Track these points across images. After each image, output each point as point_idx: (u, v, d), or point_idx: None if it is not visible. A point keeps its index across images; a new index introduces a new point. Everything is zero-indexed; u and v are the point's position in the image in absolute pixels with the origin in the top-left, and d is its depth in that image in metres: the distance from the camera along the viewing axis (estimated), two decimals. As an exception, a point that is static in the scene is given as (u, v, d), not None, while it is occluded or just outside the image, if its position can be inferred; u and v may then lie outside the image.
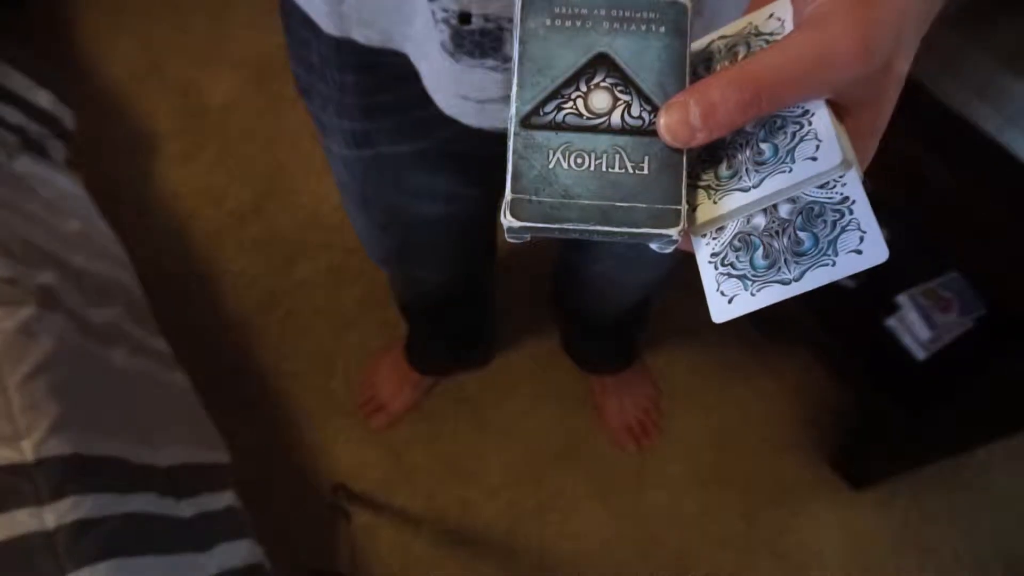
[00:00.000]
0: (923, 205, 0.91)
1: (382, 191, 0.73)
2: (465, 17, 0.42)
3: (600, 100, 0.30)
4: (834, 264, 0.28)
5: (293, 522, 1.24)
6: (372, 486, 1.28)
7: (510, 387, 1.35)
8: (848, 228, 0.28)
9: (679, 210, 0.29)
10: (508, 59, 0.45)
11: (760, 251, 0.29)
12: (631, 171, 0.29)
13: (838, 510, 1.28)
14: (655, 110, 0.29)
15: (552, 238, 0.30)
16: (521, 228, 0.30)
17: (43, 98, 1.13)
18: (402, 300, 1.15)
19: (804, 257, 0.28)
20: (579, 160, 0.30)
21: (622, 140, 0.30)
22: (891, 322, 1.14)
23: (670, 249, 0.30)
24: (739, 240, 0.30)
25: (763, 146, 0.29)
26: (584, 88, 0.30)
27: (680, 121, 0.27)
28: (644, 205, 0.29)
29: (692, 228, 0.30)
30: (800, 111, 0.28)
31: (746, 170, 0.29)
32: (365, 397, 1.32)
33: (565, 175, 0.29)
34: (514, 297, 1.35)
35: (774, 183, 0.28)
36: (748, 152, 0.29)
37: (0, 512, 0.68)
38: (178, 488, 0.87)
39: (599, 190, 0.29)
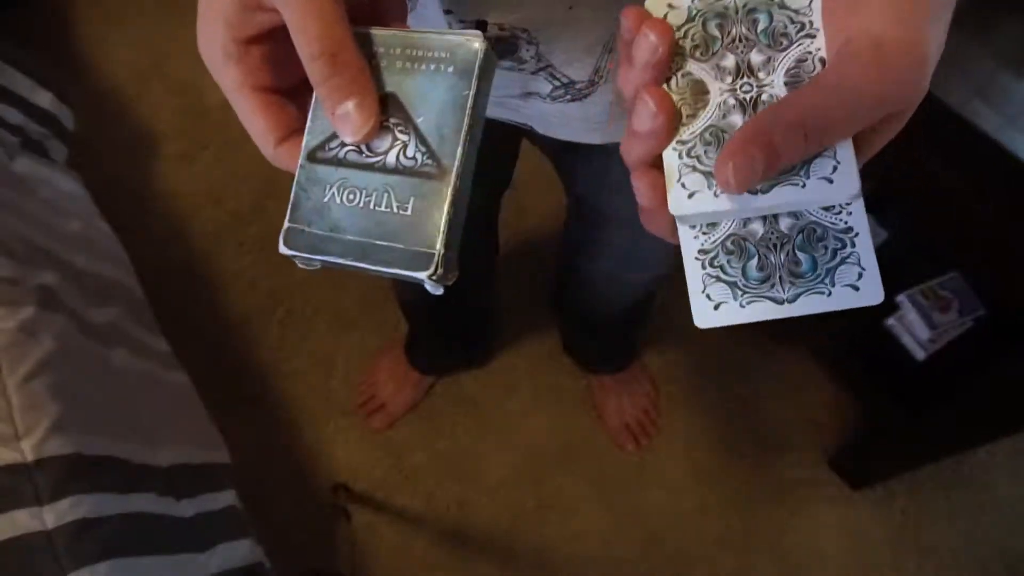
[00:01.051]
0: (923, 205, 0.91)
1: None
2: (481, 26, 0.43)
3: (381, 139, 0.30)
4: (829, 295, 0.27)
5: (293, 522, 1.24)
6: (372, 486, 1.28)
7: (510, 387, 1.35)
8: (848, 260, 0.27)
9: (433, 254, 0.29)
10: (523, 60, 0.46)
11: (755, 261, 0.28)
12: (396, 211, 0.30)
13: (837, 510, 1.28)
14: (429, 151, 0.29)
15: (335, 268, 0.31)
16: (292, 256, 0.31)
17: (43, 98, 1.13)
18: (403, 299, 1.16)
19: (800, 279, 0.27)
20: (351, 196, 0.30)
21: (393, 180, 0.30)
22: (891, 322, 1.14)
23: (439, 291, 0.30)
24: (732, 243, 0.28)
25: None
26: None
27: (745, 170, 0.25)
28: (402, 246, 0.29)
29: (684, 217, 0.28)
30: None
31: None
32: (365, 397, 1.32)
33: (337, 209, 0.30)
34: (514, 297, 1.35)
35: (784, 194, 0.26)
36: None
37: (0, 512, 0.68)
38: (178, 488, 0.87)
39: (364, 227, 0.30)
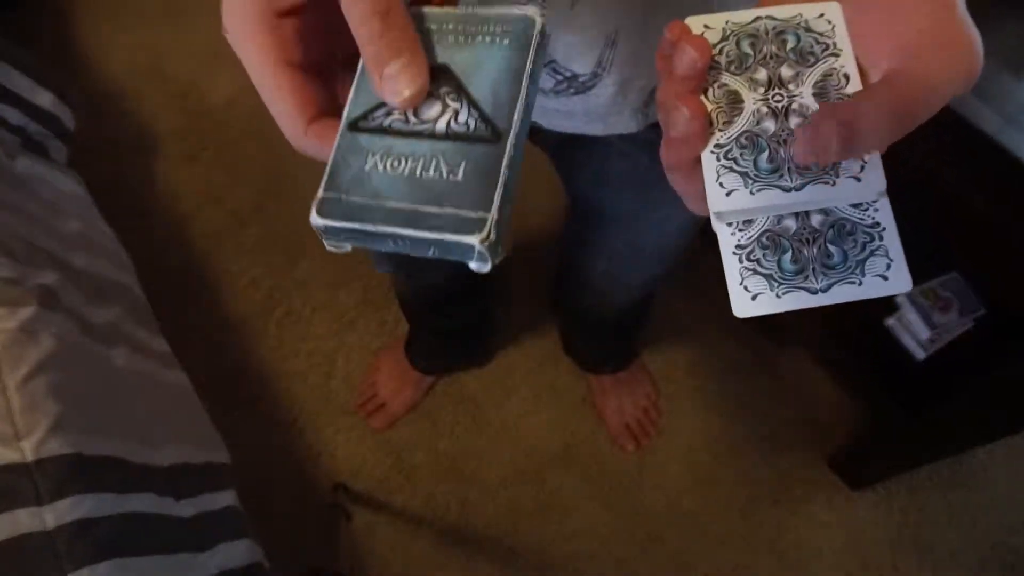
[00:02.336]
0: (923, 205, 0.91)
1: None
2: None
3: (429, 108, 0.29)
4: (860, 284, 0.28)
5: (293, 522, 1.24)
6: (372, 486, 1.28)
7: (510, 387, 1.35)
8: (877, 252, 0.28)
9: (486, 218, 0.28)
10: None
11: (789, 255, 0.29)
12: (445, 176, 0.28)
13: (837, 509, 1.28)
14: (483, 117, 0.29)
15: (373, 250, 0.29)
16: (325, 227, 0.29)
17: (43, 98, 1.13)
18: (403, 298, 1.16)
19: (832, 271, 0.29)
20: (395, 164, 0.29)
21: (443, 145, 0.29)
22: (891, 322, 1.14)
23: (486, 267, 0.28)
24: (767, 239, 0.30)
25: None
26: None
27: (823, 141, 0.27)
28: (452, 211, 0.28)
29: (721, 214, 0.30)
30: None
31: (788, 169, 0.29)
32: (365, 397, 1.32)
33: (379, 178, 0.29)
34: (514, 297, 1.35)
35: (815, 192, 0.28)
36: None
37: (0, 512, 0.68)
38: (178, 488, 0.87)
39: (409, 193, 0.28)
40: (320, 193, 0.29)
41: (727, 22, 0.30)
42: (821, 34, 0.30)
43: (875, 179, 0.28)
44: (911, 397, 1.10)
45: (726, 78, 0.30)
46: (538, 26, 0.30)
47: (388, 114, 0.30)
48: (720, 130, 0.30)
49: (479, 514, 1.27)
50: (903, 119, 0.26)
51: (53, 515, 0.70)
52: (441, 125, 0.29)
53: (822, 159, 0.27)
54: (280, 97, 0.31)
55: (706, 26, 0.31)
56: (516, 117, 0.29)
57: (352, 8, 0.28)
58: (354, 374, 1.35)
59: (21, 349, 0.76)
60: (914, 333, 1.12)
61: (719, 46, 0.30)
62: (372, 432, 1.31)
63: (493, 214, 0.28)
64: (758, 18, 0.30)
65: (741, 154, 0.29)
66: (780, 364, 1.37)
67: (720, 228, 0.30)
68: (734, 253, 0.30)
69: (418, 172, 0.29)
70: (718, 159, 0.30)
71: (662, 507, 1.28)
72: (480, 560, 1.25)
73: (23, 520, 0.68)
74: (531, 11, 0.30)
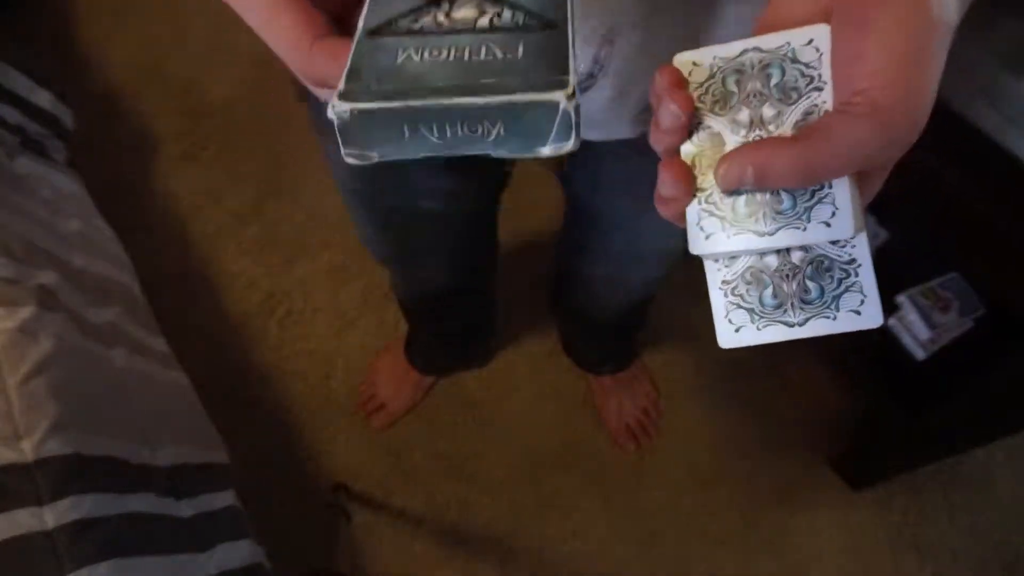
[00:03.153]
0: (923, 205, 0.91)
1: (383, 191, 0.73)
2: None
3: (465, 11, 0.26)
4: (835, 319, 0.30)
5: (293, 522, 1.24)
6: (372, 486, 1.28)
7: (510, 387, 1.35)
8: (852, 289, 0.30)
9: (566, 78, 0.23)
10: None
11: (770, 290, 0.31)
12: (500, 56, 0.24)
13: (837, 510, 1.28)
14: (530, 14, 0.26)
15: (408, 160, 0.24)
16: (353, 112, 0.23)
17: (43, 98, 1.13)
18: (403, 298, 1.16)
19: (809, 306, 0.30)
20: (435, 52, 0.24)
21: (491, 36, 0.25)
22: (891, 322, 1.14)
23: (568, 144, 0.24)
24: (751, 275, 0.31)
25: (783, 195, 0.30)
26: (447, 5, 0.26)
27: (737, 174, 0.28)
28: (519, 79, 0.23)
29: (703, 254, 0.32)
30: None
31: (763, 214, 0.30)
32: (365, 397, 1.32)
33: (416, 67, 0.24)
34: (514, 297, 1.35)
35: (787, 237, 0.30)
36: (768, 196, 0.30)
37: (0, 512, 0.68)
38: (178, 488, 0.87)
39: (459, 74, 0.24)
40: (341, 85, 0.24)
41: (714, 57, 0.31)
42: (807, 64, 0.30)
43: (844, 225, 0.29)
44: (911, 397, 1.10)
45: (710, 120, 0.31)
46: None
47: (416, 20, 0.26)
48: (703, 174, 0.31)
49: (479, 514, 1.27)
50: (812, 174, 0.27)
51: (53, 515, 0.69)
52: (484, 22, 0.26)
53: (733, 189, 0.29)
54: (278, 20, 0.27)
55: (694, 63, 0.32)
56: (569, 8, 0.26)
57: None
58: (354, 374, 1.35)
59: (21, 349, 0.76)
60: (914, 333, 1.12)
61: (705, 84, 0.31)
62: (372, 432, 1.31)
63: (573, 74, 0.23)
64: (745, 51, 0.31)
65: (720, 199, 0.31)
66: (780, 364, 1.37)
67: (708, 264, 0.32)
68: (720, 288, 0.32)
69: (466, 57, 0.24)
70: (699, 202, 0.31)
71: (662, 507, 1.28)
72: (480, 560, 1.25)
73: (23, 520, 0.68)
74: None
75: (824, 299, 0.30)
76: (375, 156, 0.24)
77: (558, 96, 0.23)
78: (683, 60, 0.32)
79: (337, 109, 0.23)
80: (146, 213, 1.46)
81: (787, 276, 0.31)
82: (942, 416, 1.06)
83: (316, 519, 1.25)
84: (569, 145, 0.23)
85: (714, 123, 0.31)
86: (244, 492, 1.00)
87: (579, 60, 0.39)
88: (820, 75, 0.29)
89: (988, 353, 1.07)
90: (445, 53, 0.24)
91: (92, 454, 0.76)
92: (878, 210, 1.19)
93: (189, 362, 1.09)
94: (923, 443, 1.15)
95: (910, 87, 0.27)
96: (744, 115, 0.30)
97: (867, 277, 0.30)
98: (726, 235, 0.31)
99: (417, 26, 0.26)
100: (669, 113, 0.30)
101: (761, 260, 0.31)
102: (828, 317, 0.30)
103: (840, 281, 0.30)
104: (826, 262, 0.30)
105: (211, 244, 1.44)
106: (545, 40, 0.25)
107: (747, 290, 0.31)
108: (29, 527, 0.68)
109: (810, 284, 0.30)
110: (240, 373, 1.34)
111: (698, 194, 0.31)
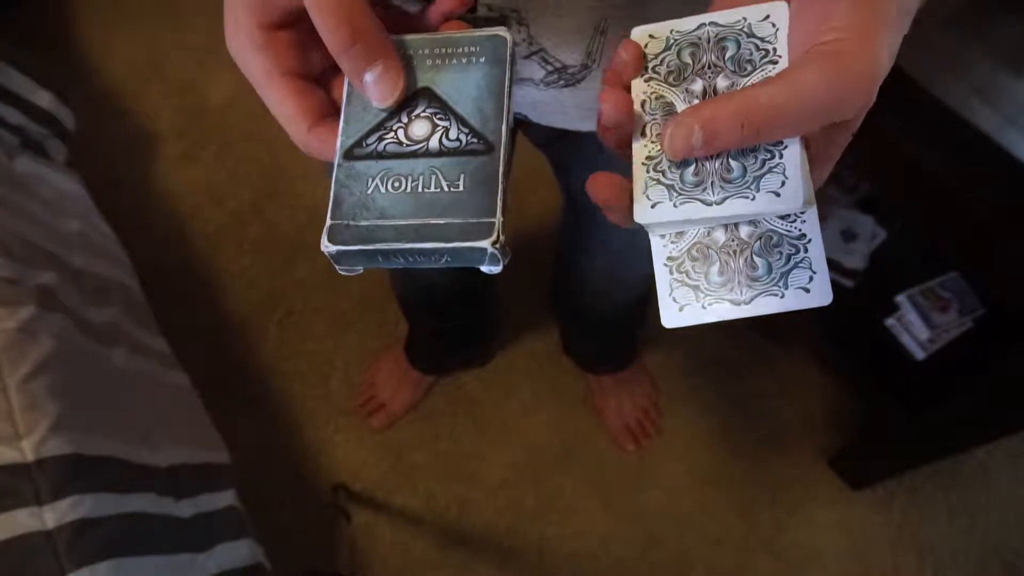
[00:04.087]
0: (922, 205, 0.91)
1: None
2: (471, 5, 0.43)
3: (419, 128, 0.31)
4: (783, 296, 0.29)
5: (293, 522, 1.24)
6: (372, 486, 1.28)
7: (510, 387, 1.35)
8: (801, 265, 0.29)
9: (493, 223, 0.29)
10: (515, 43, 0.46)
11: (716, 267, 0.30)
12: (447, 189, 0.30)
13: (836, 510, 1.28)
14: (473, 132, 0.31)
15: (382, 268, 0.31)
16: (338, 252, 0.30)
17: (43, 98, 1.13)
18: (403, 298, 1.16)
19: (757, 283, 0.30)
20: (396, 184, 0.30)
21: (439, 161, 0.30)
22: (890, 322, 1.14)
23: (497, 268, 0.30)
24: (697, 251, 0.31)
25: (733, 163, 0.29)
26: (405, 119, 0.31)
27: (683, 139, 0.28)
28: (458, 220, 0.29)
29: (648, 225, 0.31)
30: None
31: (712, 183, 0.29)
32: (365, 397, 1.32)
33: (382, 199, 0.30)
34: (514, 297, 1.35)
35: (735, 206, 0.29)
36: (717, 164, 0.29)
37: (0, 512, 0.68)
38: (178, 488, 0.87)
39: (414, 210, 0.30)
40: (328, 221, 0.31)
41: (672, 31, 0.31)
42: (762, 39, 0.29)
43: (794, 194, 0.28)
44: (911, 397, 1.10)
45: (664, 90, 0.31)
46: (510, 44, 0.32)
47: (381, 139, 0.31)
48: (652, 142, 0.31)
49: (479, 514, 1.27)
50: (760, 125, 0.27)
51: (53, 515, 0.70)
52: (434, 143, 0.31)
53: (684, 155, 0.28)
54: (280, 106, 0.32)
55: (651, 36, 0.31)
56: (504, 128, 0.31)
57: (321, 24, 0.29)
58: (354, 374, 1.35)
59: (21, 349, 0.76)
60: (914, 333, 1.12)
61: (661, 56, 0.31)
62: (372, 432, 1.31)
63: (499, 217, 0.30)
64: (702, 24, 0.31)
65: (669, 167, 0.30)
66: (780, 364, 1.37)
67: (654, 240, 0.32)
68: (665, 265, 0.31)
69: (420, 188, 0.30)
70: (648, 171, 0.31)
71: (662, 507, 1.28)
72: (480, 560, 1.25)
73: (23, 520, 0.69)
74: (501, 30, 0.32)
75: (772, 275, 0.29)
76: (360, 270, 0.31)
77: (485, 244, 0.29)
78: (640, 33, 0.32)
79: (327, 248, 0.30)
80: (146, 213, 1.46)
81: (735, 252, 0.30)
82: (942, 416, 1.06)
83: (316, 519, 1.25)
84: (498, 268, 0.30)
85: (667, 92, 0.31)
86: (244, 492, 1.00)
87: (575, 51, 0.44)
88: (775, 48, 0.29)
89: (987, 353, 1.08)
90: (403, 185, 0.30)
91: (92, 454, 0.76)
92: (878, 210, 1.19)
93: (189, 362, 1.09)
94: (923, 443, 1.14)
95: (869, 38, 0.26)
96: (698, 85, 0.30)
97: (817, 253, 0.29)
98: (672, 204, 0.30)
99: (382, 147, 0.31)
100: (607, 110, 0.30)
101: (708, 235, 0.31)
102: (776, 295, 0.29)
103: (789, 257, 0.29)
104: (775, 237, 0.30)
105: (211, 244, 1.44)
106: (482, 170, 0.30)
107: (693, 266, 0.31)
108: (29, 527, 0.68)
109: (758, 260, 0.30)
110: (240, 373, 1.34)
111: (647, 162, 0.31)
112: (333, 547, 1.23)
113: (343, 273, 0.32)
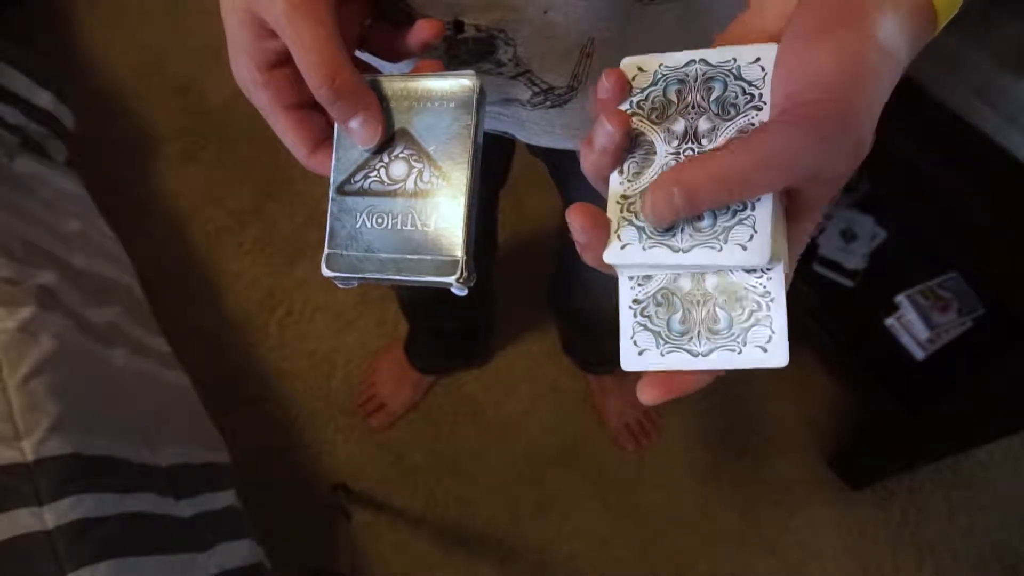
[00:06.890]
0: (922, 205, 0.91)
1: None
2: (459, 26, 0.43)
3: (398, 169, 0.35)
4: (740, 352, 0.29)
5: (293, 522, 1.24)
6: (372, 486, 1.28)
7: (510, 387, 1.35)
8: (761, 322, 0.29)
9: (457, 260, 0.34)
10: (501, 63, 0.46)
11: (679, 315, 0.31)
12: (419, 228, 0.35)
13: (836, 509, 1.28)
14: (442, 174, 0.35)
15: (372, 283, 0.36)
16: (334, 277, 0.36)
17: (43, 98, 1.13)
18: (403, 299, 1.16)
19: (717, 336, 0.30)
20: (380, 220, 0.35)
21: (414, 202, 0.35)
22: (890, 322, 1.14)
23: (464, 292, 0.35)
24: (662, 296, 0.31)
25: (705, 212, 0.29)
26: (387, 159, 0.35)
27: (665, 201, 0.28)
28: (429, 257, 0.34)
29: (617, 265, 0.31)
30: None
31: (682, 229, 0.29)
32: (365, 396, 1.32)
33: (368, 233, 0.35)
34: (514, 297, 1.35)
35: (701, 255, 0.29)
36: None
37: (0, 512, 0.68)
38: (178, 488, 0.87)
39: (395, 245, 0.35)
40: (326, 249, 0.36)
41: (660, 65, 0.31)
42: (750, 83, 0.29)
43: (761, 249, 0.28)
44: (911, 397, 1.10)
45: (645, 127, 0.31)
46: (476, 90, 0.34)
47: (366, 177, 0.36)
48: (630, 180, 0.31)
49: (479, 514, 1.27)
50: (736, 183, 0.27)
51: (53, 515, 0.70)
52: (410, 184, 0.35)
53: (668, 219, 0.28)
54: (284, 135, 0.36)
55: (640, 68, 0.31)
56: (467, 171, 0.34)
57: (307, 79, 0.33)
58: (354, 374, 1.35)
59: (21, 349, 0.76)
60: (914, 333, 1.12)
61: (647, 91, 0.31)
62: (372, 432, 1.31)
63: (462, 256, 0.34)
64: (691, 61, 0.31)
65: (642, 208, 0.30)
66: (780, 364, 1.36)
67: (622, 280, 0.32)
68: (630, 307, 0.32)
69: (399, 226, 0.35)
70: (621, 211, 0.31)
71: (662, 507, 1.28)
72: (480, 560, 1.25)
73: (23, 520, 0.69)
74: (468, 76, 0.35)
75: (732, 331, 0.30)
76: (356, 285, 0.37)
77: (450, 280, 0.34)
78: (629, 64, 0.32)
79: (326, 274, 0.36)
80: (146, 213, 1.46)
81: (698, 302, 0.30)
82: (942, 416, 1.06)
83: (316, 519, 1.25)
84: (464, 293, 0.35)
85: (647, 130, 0.31)
86: (244, 492, 1.00)
87: (562, 73, 0.47)
88: (761, 95, 0.29)
89: (987, 353, 1.08)
90: (385, 222, 0.35)
91: (92, 454, 0.76)
92: (878, 210, 1.19)
93: (189, 362, 1.09)
94: (922, 443, 1.15)
95: (849, 105, 0.26)
96: (679, 126, 0.30)
97: (778, 313, 0.29)
98: (642, 246, 0.30)
99: (367, 184, 0.36)
100: (604, 132, 0.30)
101: (675, 282, 0.31)
102: (733, 350, 0.29)
103: (751, 313, 0.29)
104: (739, 292, 0.29)
105: (211, 244, 1.44)
106: (448, 211, 0.34)
107: (656, 312, 0.31)
108: (29, 527, 0.68)
109: (720, 313, 0.30)
110: (240, 373, 1.35)
111: (621, 200, 0.31)
112: (333, 547, 1.23)
113: (341, 287, 0.36)
